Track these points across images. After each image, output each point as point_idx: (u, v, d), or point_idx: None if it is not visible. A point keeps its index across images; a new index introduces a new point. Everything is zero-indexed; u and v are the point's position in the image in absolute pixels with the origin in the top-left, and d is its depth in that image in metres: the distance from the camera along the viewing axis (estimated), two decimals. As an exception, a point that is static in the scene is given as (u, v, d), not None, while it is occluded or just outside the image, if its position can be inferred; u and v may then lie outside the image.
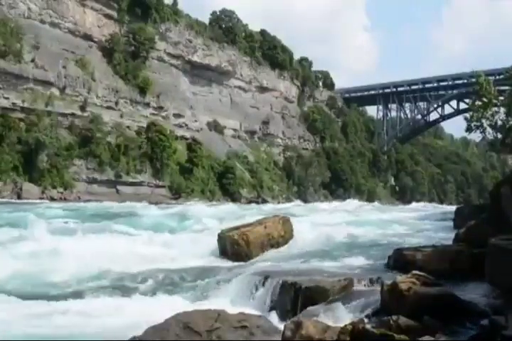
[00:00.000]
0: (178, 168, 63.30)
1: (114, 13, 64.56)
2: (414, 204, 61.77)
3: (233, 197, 66.55)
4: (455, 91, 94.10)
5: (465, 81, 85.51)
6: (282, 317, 7.10)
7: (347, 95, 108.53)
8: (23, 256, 11.16)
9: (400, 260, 9.00)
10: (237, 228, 12.90)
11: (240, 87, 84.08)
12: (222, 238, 12.58)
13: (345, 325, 5.28)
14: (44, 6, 56.21)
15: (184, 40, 73.50)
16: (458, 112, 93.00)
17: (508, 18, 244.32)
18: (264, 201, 66.64)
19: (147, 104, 65.63)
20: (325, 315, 6.44)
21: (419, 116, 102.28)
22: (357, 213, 28.98)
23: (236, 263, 11.13)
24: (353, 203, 49.99)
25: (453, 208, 21.23)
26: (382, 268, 9.21)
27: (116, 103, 61.10)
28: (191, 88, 76.08)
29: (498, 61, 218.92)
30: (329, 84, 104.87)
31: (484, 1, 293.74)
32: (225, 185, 67.43)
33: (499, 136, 18.70)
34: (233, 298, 8.10)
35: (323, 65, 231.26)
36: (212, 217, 20.23)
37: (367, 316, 6.27)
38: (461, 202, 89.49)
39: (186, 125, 72.07)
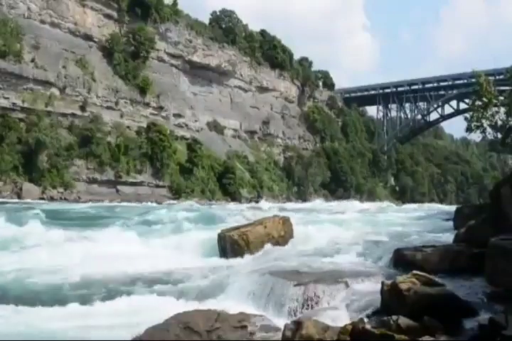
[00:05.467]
0: (178, 168, 63.30)
1: (114, 13, 64.58)
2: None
3: (233, 197, 66.57)
4: (455, 92, 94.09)
5: (465, 81, 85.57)
6: (282, 317, 7.10)
7: (347, 95, 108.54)
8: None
9: (400, 260, 9.00)
10: (237, 228, 12.90)
11: (240, 87, 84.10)
12: (222, 238, 12.56)
13: (345, 325, 5.29)
14: (44, 6, 56.22)
15: (184, 40, 73.49)
16: (458, 112, 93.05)
17: (506, 18, 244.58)
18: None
19: (147, 104, 65.63)
20: (325, 315, 6.44)
21: (419, 116, 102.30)
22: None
23: (236, 263, 11.12)
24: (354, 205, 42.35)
25: (453, 208, 21.21)
26: (382, 268, 9.20)
27: (116, 103, 61.09)
28: (191, 88, 76.08)
29: (498, 61, 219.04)
30: (329, 84, 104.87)
31: (482, 0, 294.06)
32: (225, 185, 67.44)
33: (499, 136, 18.70)
34: (233, 297, 8.09)
35: (323, 65, 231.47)
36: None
37: (367, 316, 6.27)
38: (461, 202, 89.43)
39: (186, 125, 72.07)
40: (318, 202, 56.14)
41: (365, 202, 62.48)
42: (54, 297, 8.58)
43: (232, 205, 41.25)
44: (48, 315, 7.59)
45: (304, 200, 73.25)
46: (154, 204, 44.83)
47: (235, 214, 22.87)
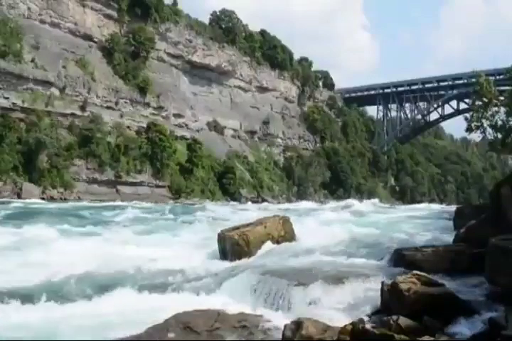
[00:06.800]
0: (178, 168, 63.29)
1: (114, 13, 64.58)
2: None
3: (233, 197, 66.57)
4: (455, 92, 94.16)
5: (465, 81, 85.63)
6: (282, 317, 7.09)
7: (347, 95, 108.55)
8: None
9: (400, 260, 9.00)
10: (237, 228, 12.89)
11: (240, 87, 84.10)
12: (222, 238, 12.56)
13: (345, 325, 5.29)
14: (44, 6, 56.22)
15: (184, 40, 73.51)
16: (458, 112, 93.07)
17: (505, 18, 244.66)
18: (265, 201, 66.66)
19: (147, 104, 65.64)
20: (325, 315, 6.44)
21: (419, 116, 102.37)
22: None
23: (236, 263, 11.12)
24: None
25: (453, 208, 21.22)
26: (382, 268, 9.19)
27: (116, 103, 61.08)
28: (191, 88, 76.09)
29: (498, 61, 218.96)
30: (329, 84, 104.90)
31: (482, 1, 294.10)
32: (225, 185, 67.44)
33: (499, 136, 18.71)
34: (233, 297, 8.09)
35: (323, 65, 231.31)
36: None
37: (367, 316, 6.27)
38: (461, 202, 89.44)
39: (186, 125, 72.08)
40: (303, 204, 49.20)
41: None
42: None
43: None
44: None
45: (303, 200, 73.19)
46: (153, 204, 44.81)
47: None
